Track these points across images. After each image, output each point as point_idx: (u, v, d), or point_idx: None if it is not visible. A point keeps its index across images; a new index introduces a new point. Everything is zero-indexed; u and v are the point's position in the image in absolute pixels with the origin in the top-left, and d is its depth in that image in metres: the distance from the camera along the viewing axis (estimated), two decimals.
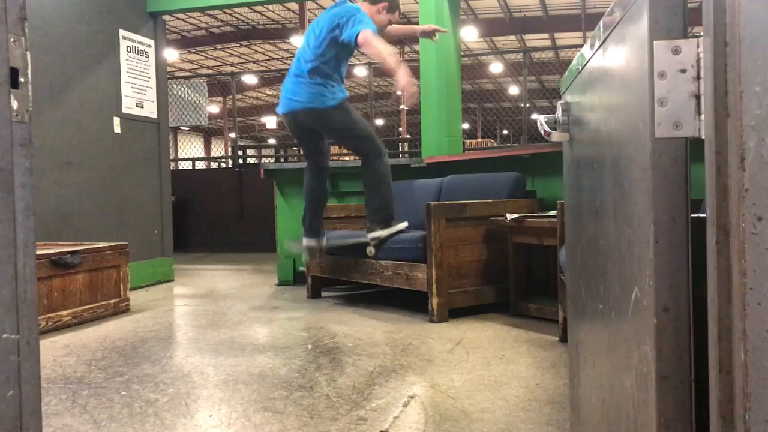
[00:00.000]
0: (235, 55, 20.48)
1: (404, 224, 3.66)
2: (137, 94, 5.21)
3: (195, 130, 22.32)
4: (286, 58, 20.83)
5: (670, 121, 0.71)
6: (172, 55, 16.87)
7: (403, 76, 3.24)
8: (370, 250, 3.66)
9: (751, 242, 0.62)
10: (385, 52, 3.35)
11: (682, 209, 0.73)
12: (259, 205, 8.12)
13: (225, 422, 2.00)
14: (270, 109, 25.27)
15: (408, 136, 15.03)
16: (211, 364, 2.71)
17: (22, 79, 0.91)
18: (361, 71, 19.06)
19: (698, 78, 0.70)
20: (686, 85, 0.70)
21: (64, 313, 3.55)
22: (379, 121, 24.90)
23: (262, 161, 14.39)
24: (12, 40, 0.89)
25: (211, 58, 20.72)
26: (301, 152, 3.82)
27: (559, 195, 3.99)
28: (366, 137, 3.65)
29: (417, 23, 5.17)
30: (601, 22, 1.02)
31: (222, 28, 17.70)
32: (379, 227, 3.62)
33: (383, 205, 3.64)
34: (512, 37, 17.70)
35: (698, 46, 0.70)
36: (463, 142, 7.05)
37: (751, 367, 0.62)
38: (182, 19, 15.97)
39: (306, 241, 3.87)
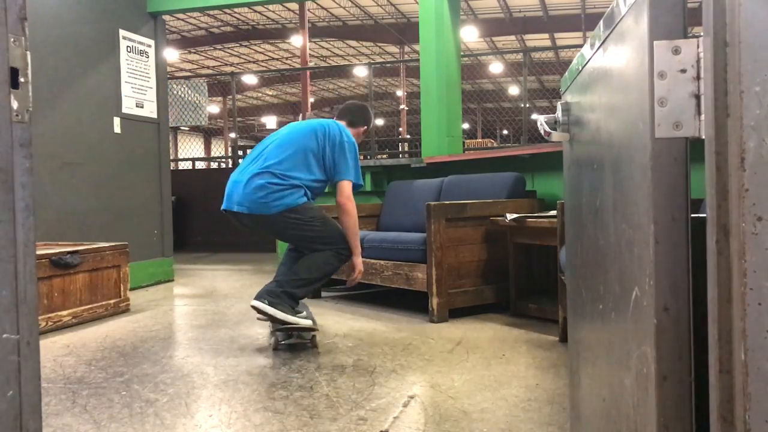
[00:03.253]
0: (235, 55, 20.49)
1: (307, 322, 2.91)
2: (137, 94, 5.21)
3: (195, 130, 22.34)
4: (286, 58, 20.85)
5: (670, 121, 0.71)
6: (172, 55, 16.88)
7: (359, 259, 3.14)
8: (274, 340, 3.04)
9: (751, 242, 0.62)
10: (355, 226, 3.08)
11: (682, 209, 0.73)
12: None
13: (225, 422, 2.00)
14: (270, 109, 25.31)
15: (408, 136, 15.03)
16: (211, 364, 2.71)
17: (22, 79, 0.91)
18: (361, 71, 19.08)
19: (698, 78, 0.70)
20: (686, 85, 0.70)
21: (64, 313, 3.55)
22: (379, 121, 24.93)
23: None
24: (12, 40, 0.89)
25: (211, 58, 20.73)
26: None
27: (559, 195, 3.99)
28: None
29: (417, 24, 5.17)
30: (601, 22, 1.02)
31: (222, 28, 17.70)
32: (269, 298, 2.89)
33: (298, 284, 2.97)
34: (512, 37, 17.70)
35: (698, 46, 0.70)
36: (463, 142, 7.05)
37: (751, 367, 0.62)
38: (182, 19, 15.98)
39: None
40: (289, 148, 3.06)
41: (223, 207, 3.09)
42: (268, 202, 2.96)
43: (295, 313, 2.89)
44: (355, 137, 3.25)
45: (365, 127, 3.39)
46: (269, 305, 2.84)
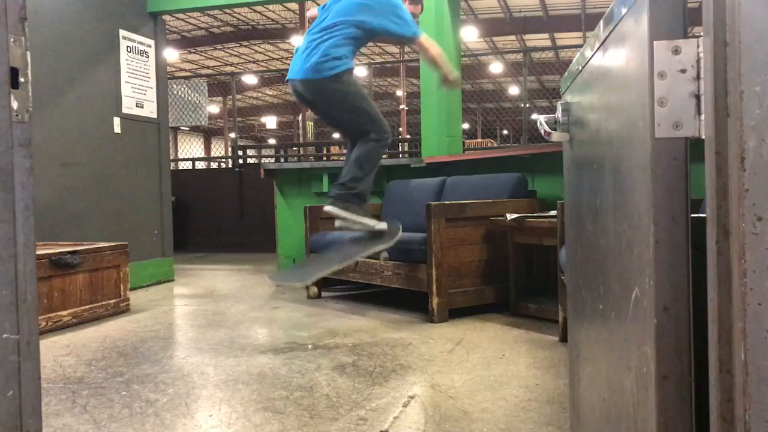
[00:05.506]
0: (235, 55, 20.48)
1: (381, 225, 3.23)
2: (137, 94, 5.21)
3: (195, 130, 22.32)
4: (286, 58, 20.81)
5: (670, 121, 0.71)
6: (172, 55, 16.88)
7: (451, 70, 3.32)
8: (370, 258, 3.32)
9: (751, 242, 0.62)
10: (443, 55, 3.30)
11: (682, 209, 0.73)
12: (259, 205, 8.12)
13: (225, 422, 2.00)
14: (270, 109, 25.29)
15: (408, 136, 15.03)
16: (211, 364, 2.71)
17: (22, 79, 0.91)
18: (361, 71, 19.08)
19: (698, 78, 0.70)
20: (686, 85, 0.70)
21: (64, 313, 3.55)
22: None
23: (262, 161, 14.39)
24: (12, 40, 0.89)
25: (211, 58, 20.73)
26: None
27: (559, 195, 3.99)
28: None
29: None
30: (601, 23, 1.02)
31: (222, 28, 17.70)
32: (340, 203, 3.15)
33: (359, 180, 3.19)
34: (512, 37, 17.69)
35: (698, 46, 0.70)
36: (463, 142, 7.05)
37: (751, 367, 0.62)
38: (182, 19, 15.97)
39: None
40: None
41: (286, 78, 3.31)
42: (322, 62, 3.11)
43: (366, 213, 3.19)
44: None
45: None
46: (343, 209, 3.12)
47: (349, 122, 3.29)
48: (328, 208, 3.16)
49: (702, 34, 0.66)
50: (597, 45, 1.05)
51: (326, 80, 3.11)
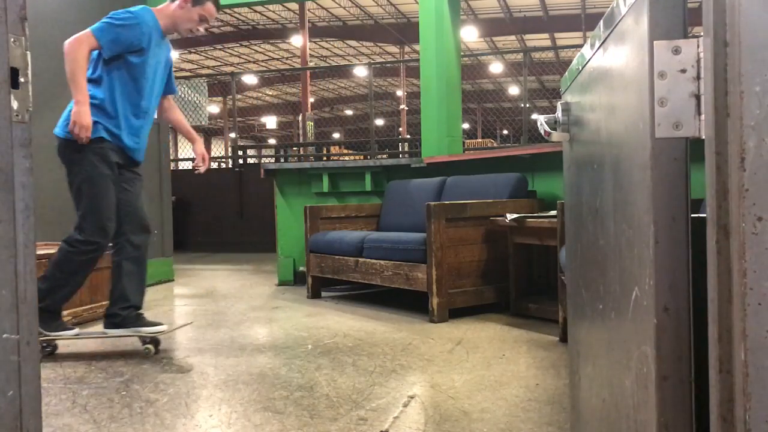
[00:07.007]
0: (235, 55, 20.50)
1: (73, 332, 2.88)
2: None
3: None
4: (286, 58, 20.86)
5: (670, 121, 0.71)
6: (172, 54, 16.88)
7: (78, 107, 2.78)
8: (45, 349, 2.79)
9: (751, 242, 0.62)
10: (77, 68, 2.74)
11: (682, 209, 0.73)
12: (259, 205, 8.13)
13: (225, 422, 2.00)
14: (270, 109, 25.30)
15: (408, 136, 15.05)
16: (211, 364, 2.71)
17: (22, 79, 0.91)
18: (361, 71, 19.07)
19: (698, 78, 0.70)
20: (686, 85, 0.70)
21: (64, 313, 3.53)
22: (379, 121, 24.93)
23: (262, 161, 14.39)
24: (12, 40, 0.89)
25: (211, 58, 20.74)
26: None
27: (559, 195, 3.99)
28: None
29: (417, 24, 5.17)
30: (601, 22, 1.02)
31: (222, 28, 17.71)
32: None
33: (47, 291, 2.73)
34: (512, 37, 17.71)
35: (698, 46, 0.70)
36: (463, 142, 7.06)
37: (751, 367, 0.62)
38: None
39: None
40: None
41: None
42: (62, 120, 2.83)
43: (59, 327, 2.80)
44: (176, 10, 3.06)
45: None
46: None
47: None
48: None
49: (702, 34, 0.66)
50: (597, 45, 1.05)
51: (59, 143, 2.81)
